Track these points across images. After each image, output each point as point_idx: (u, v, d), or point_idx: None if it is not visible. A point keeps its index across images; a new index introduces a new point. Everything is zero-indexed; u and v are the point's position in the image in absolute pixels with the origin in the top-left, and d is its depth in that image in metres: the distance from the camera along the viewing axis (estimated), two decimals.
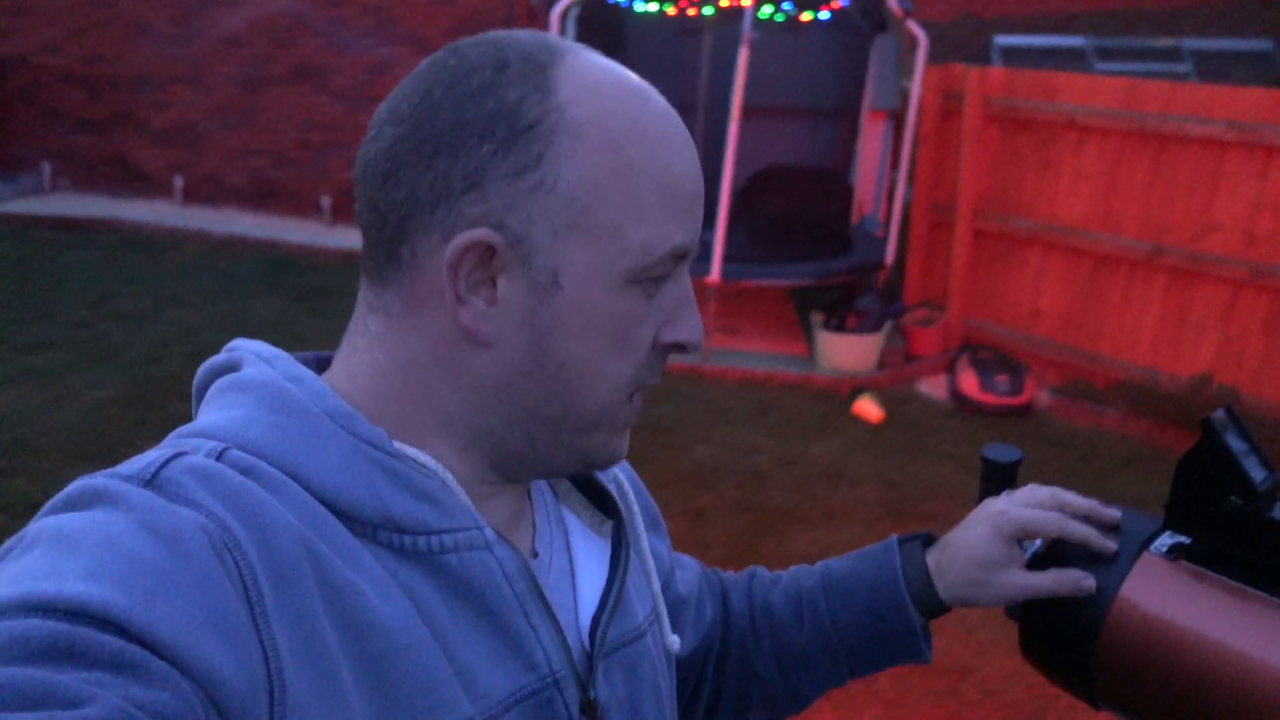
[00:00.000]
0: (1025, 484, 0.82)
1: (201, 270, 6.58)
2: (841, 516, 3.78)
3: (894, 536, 0.84)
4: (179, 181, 8.18)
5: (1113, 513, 0.74)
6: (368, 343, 0.60)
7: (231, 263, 6.81)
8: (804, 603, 0.84)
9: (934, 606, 0.80)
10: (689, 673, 0.86)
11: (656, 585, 0.73)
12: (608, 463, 0.63)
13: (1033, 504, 0.76)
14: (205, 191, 8.22)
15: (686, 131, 0.60)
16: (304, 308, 5.87)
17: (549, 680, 0.59)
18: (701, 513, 3.71)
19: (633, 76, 0.60)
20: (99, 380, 4.57)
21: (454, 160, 0.55)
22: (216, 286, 6.23)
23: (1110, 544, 0.72)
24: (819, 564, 0.87)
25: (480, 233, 0.55)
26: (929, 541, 0.82)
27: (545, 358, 0.57)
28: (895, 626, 0.79)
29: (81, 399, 4.34)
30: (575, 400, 0.59)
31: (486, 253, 0.56)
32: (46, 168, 8.37)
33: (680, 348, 0.61)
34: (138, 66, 8.10)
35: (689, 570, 0.86)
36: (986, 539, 0.75)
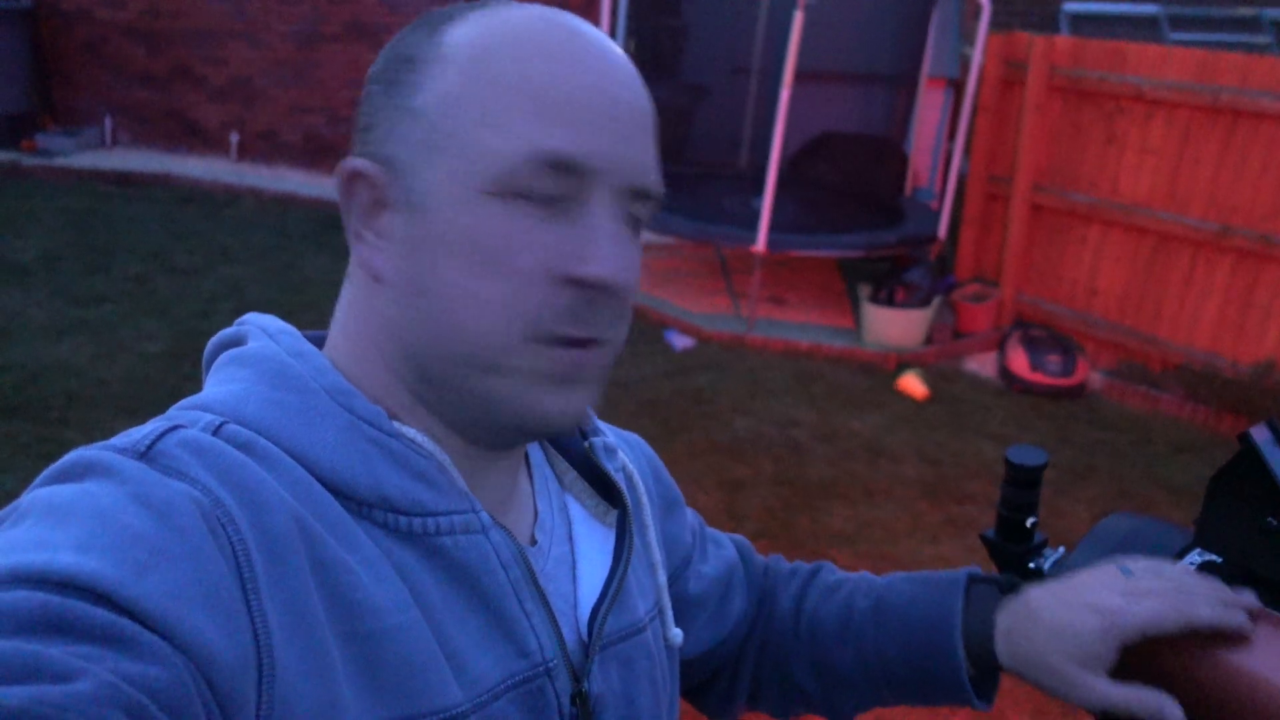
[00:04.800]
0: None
1: (254, 227, 6.68)
2: (879, 493, 3.73)
3: (965, 573, 0.76)
4: (235, 138, 8.29)
5: (1248, 599, 0.64)
6: (341, 311, 0.61)
7: (283, 220, 6.90)
8: (853, 624, 0.78)
9: (989, 664, 0.72)
10: (712, 666, 0.84)
11: (662, 578, 0.71)
12: (541, 424, 0.56)
13: (1151, 593, 0.65)
14: (260, 148, 8.31)
15: (597, 49, 0.56)
16: None
17: (541, 669, 0.58)
18: (737, 485, 3.69)
19: (545, 9, 0.56)
20: (150, 334, 4.68)
21: (363, 111, 0.59)
22: (268, 243, 6.32)
23: (1242, 618, 0.62)
24: (882, 580, 0.81)
25: (352, 162, 0.57)
26: (1009, 587, 0.73)
27: (420, 285, 0.55)
28: (943, 675, 0.73)
29: (132, 352, 4.44)
30: (451, 333, 0.54)
31: (366, 183, 0.57)
32: (108, 122, 8.52)
33: (591, 286, 0.54)
34: (196, 22, 8.19)
35: (720, 560, 0.83)
36: (1091, 636, 0.64)
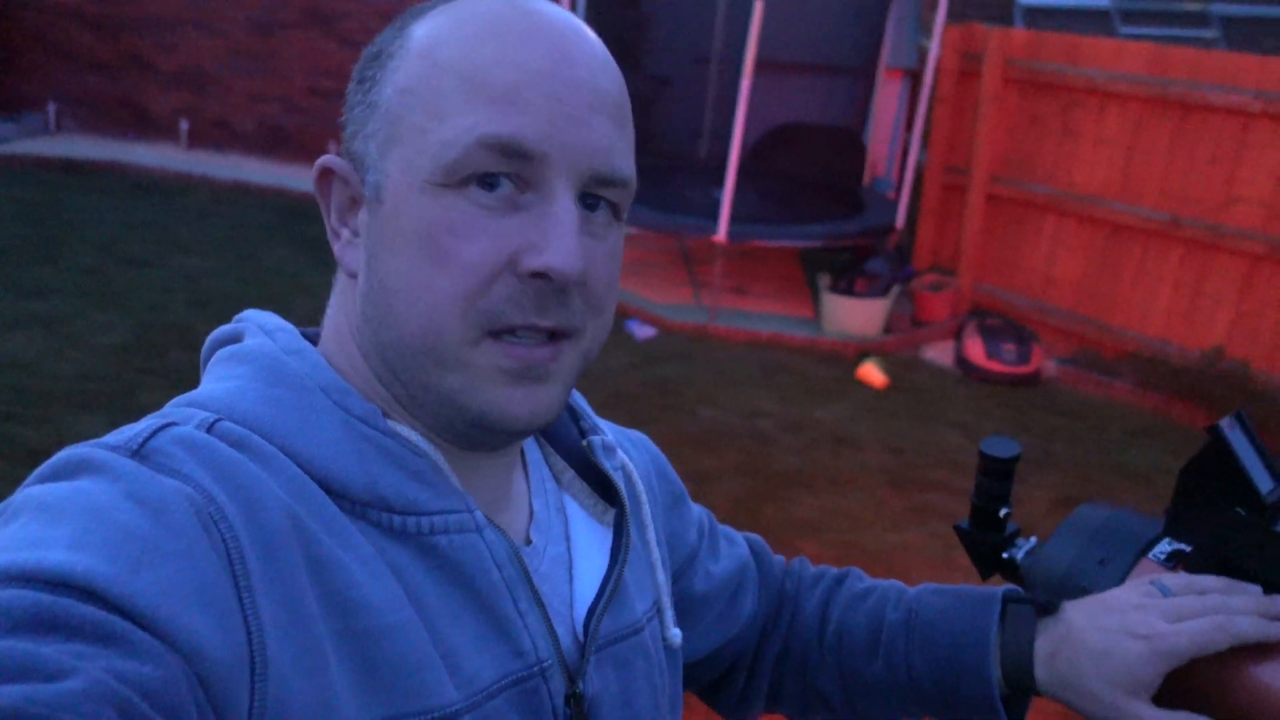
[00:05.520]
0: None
1: (209, 217, 6.55)
2: (845, 482, 3.77)
3: (1000, 591, 0.73)
4: (184, 125, 8.11)
5: None
6: (330, 308, 0.61)
7: (239, 210, 6.78)
8: (883, 637, 0.77)
9: (1025, 686, 0.70)
10: (723, 666, 0.83)
11: (661, 576, 0.70)
12: (504, 421, 0.54)
13: (1193, 612, 0.64)
14: (213, 137, 8.15)
15: (553, 31, 0.54)
16: (312, 257, 5.84)
17: (535, 669, 0.58)
18: (705, 476, 3.71)
19: (507, 2, 0.55)
20: (104, 327, 4.57)
21: (344, 110, 0.59)
22: (223, 234, 6.20)
23: None
24: (913, 592, 0.79)
25: (323, 159, 0.58)
26: (1046, 608, 0.71)
27: (380, 280, 0.55)
28: (974, 694, 0.71)
29: (86, 345, 4.34)
30: (399, 323, 0.54)
31: (340, 180, 0.58)
32: (52, 108, 8.29)
33: (542, 276, 0.52)
34: (148, 8, 7.99)
35: (732, 558, 0.82)
36: (1137, 663, 0.64)
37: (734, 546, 0.83)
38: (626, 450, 0.74)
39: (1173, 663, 0.63)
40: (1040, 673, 0.69)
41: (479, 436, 0.58)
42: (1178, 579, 0.67)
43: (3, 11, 8.17)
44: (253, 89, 8.00)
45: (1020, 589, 0.75)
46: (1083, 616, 0.68)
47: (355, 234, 0.57)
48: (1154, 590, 0.67)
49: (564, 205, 0.53)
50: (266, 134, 8.07)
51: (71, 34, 8.18)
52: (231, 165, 7.73)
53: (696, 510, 0.82)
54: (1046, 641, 0.69)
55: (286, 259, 5.75)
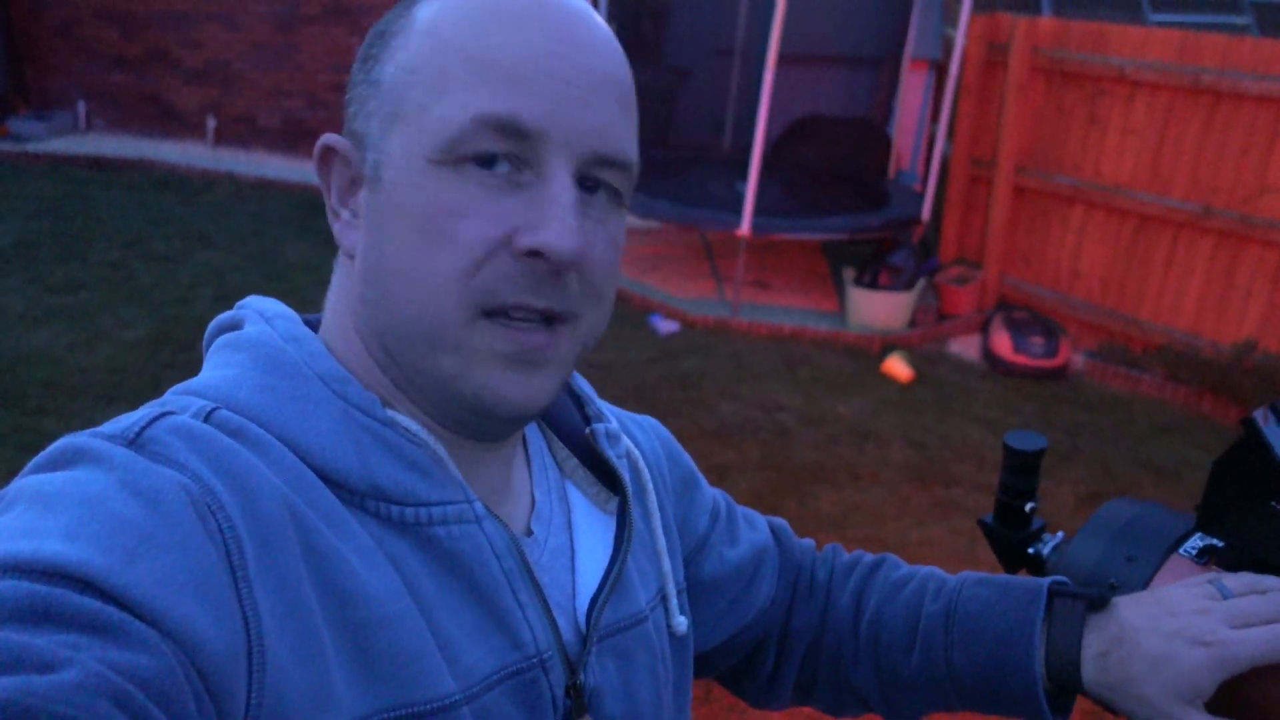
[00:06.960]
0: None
1: (232, 212, 6.60)
2: (866, 477, 3.74)
3: (1046, 583, 0.69)
4: (212, 122, 8.17)
5: None
6: (330, 293, 0.61)
7: (262, 205, 6.82)
8: (920, 630, 0.73)
9: (1070, 683, 0.66)
10: (741, 652, 0.81)
11: (667, 565, 0.70)
12: (499, 406, 0.54)
13: (1255, 616, 0.62)
14: (237, 133, 8.20)
15: (561, 14, 0.53)
16: (333, 251, 5.85)
17: (534, 660, 0.58)
18: (724, 470, 3.69)
19: None
20: (129, 321, 4.62)
21: (348, 89, 0.58)
22: (247, 229, 6.24)
23: None
24: (953, 581, 0.76)
25: (325, 138, 0.57)
26: (1096, 604, 0.67)
27: (378, 260, 0.54)
28: (1017, 691, 0.68)
29: (112, 340, 4.39)
30: (396, 304, 0.53)
31: (341, 160, 0.57)
32: (82, 106, 8.38)
33: (537, 255, 0.52)
34: (172, 4, 8.05)
35: (750, 543, 0.80)
36: (1196, 671, 0.61)
37: (754, 531, 0.82)
38: (633, 435, 0.73)
39: (1234, 671, 0.60)
40: (1088, 672, 0.65)
41: (476, 423, 0.58)
42: (1239, 579, 0.64)
43: (31, 10, 8.27)
44: (276, 84, 8.05)
45: (1068, 581, 0.71)
46: (1140, 617, 0.64)
47: (355, 214, 0.57)
48: (1214, 592, 0.63)
49: (562, 184, 0.52)
50: (289, 129, 8.12)
51: (98, 32, 8.27)
52: (255, 160, 7.79)
53: (710, 494, 0.81)
54: (1097, 640, 0.66)
55: (309, 253, 5.78)
